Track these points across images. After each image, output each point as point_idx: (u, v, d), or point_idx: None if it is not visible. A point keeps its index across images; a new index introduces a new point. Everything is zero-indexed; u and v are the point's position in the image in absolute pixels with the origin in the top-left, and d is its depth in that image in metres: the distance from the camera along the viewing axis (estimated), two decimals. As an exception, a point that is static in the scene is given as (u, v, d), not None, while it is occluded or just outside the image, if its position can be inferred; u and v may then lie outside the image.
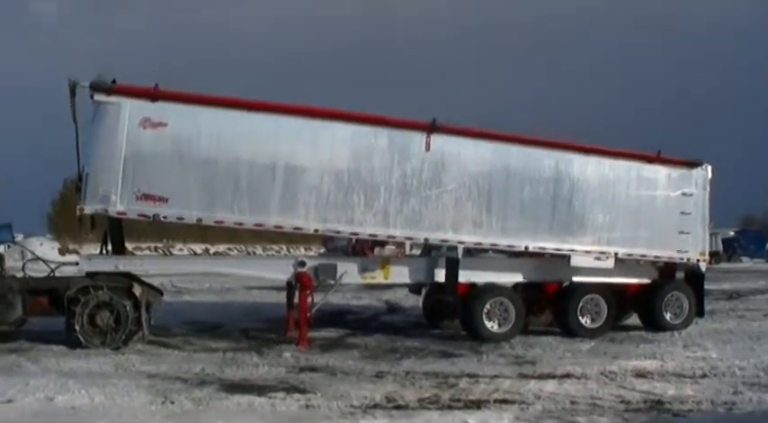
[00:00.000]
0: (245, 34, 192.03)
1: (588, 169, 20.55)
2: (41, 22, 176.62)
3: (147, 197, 17.18)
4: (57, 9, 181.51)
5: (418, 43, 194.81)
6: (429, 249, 21.96)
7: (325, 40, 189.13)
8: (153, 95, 17.24)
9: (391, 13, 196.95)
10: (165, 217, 17.64)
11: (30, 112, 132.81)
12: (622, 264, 20.91)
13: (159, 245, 74.81)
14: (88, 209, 17.14)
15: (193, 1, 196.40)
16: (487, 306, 19.60)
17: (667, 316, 21.51)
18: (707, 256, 22.31)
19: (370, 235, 19.33)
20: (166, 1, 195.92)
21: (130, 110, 17.03)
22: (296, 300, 18.89)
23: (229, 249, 79.60)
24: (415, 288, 22.71)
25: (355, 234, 19.54)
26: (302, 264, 18.85)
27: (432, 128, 19.00)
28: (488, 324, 19.60)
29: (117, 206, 17.07)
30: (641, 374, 14.95)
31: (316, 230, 18.89)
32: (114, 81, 17.10)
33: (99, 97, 16.97)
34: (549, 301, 21.06)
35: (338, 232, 19.33)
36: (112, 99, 16.99)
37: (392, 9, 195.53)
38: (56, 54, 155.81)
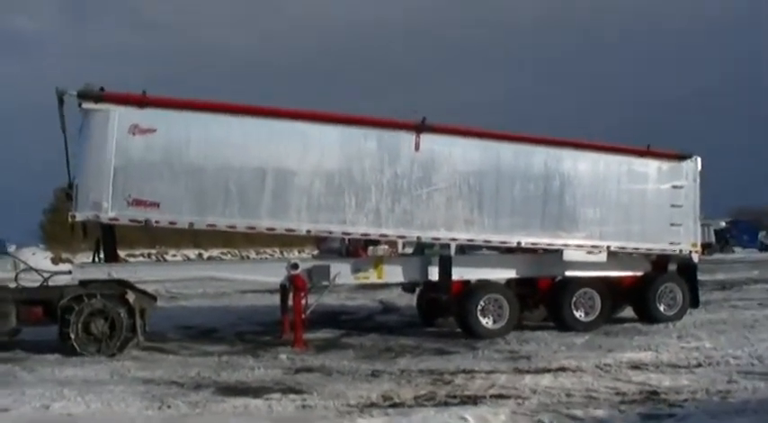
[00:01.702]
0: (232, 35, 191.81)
1: (578, 165, 20.60)
2: (27, 36, 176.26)
3: (138, 203, 17.18)
4: (39, 23, 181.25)
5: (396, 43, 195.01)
6: (422, 248, 21.98)
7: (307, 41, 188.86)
8: (141, 102, 17.24)
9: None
10: (156, 222, 17.63)
11: (19, 122, 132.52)
12: (615, 257, 20.96)
13: (152, 251, 74.50)
14: (80, 216, 17.13)
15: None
16: (481, 303, 19.64)
17: (661, 307, 21.60)
18: (699, 248, 22.34)
19: (363, 235, 19.40)
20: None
21: (119, 117, 17.05)
22: (290, 302, 18.95)
23: (223, 254, 79.43)
24: (408, 287, 22.73)
25: (347, 234, 19.63)
26: (295, 266, 18.84)
27: (421, 127, 19.02)
28: (483, 320, 19.64)
29: (108, 212, 17.08)
30: (636, 366, 15.00)
31: (308, 232, 18.89)
32: (102, 89, 17.09)
33: (87, 105, 16.98)
34: (543, 296, 21.13)
35: (330, 233, 19.42)
36: (101, 107, 17.00)
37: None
38: (43, 65, 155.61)
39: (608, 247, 20.66)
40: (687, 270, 22.40)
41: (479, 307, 19.62)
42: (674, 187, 21.53)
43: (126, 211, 17.23)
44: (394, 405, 12.03)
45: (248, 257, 72.25)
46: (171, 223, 17.92)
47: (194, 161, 17.62)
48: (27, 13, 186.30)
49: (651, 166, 21.45)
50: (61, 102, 17.10)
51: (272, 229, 18.48)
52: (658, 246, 21.56)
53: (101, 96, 17.02)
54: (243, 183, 17.86)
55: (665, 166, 21.58)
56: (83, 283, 17.62)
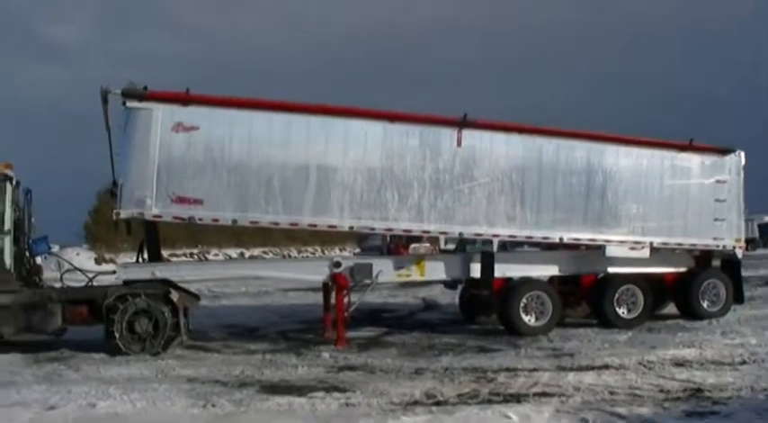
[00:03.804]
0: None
1: (620, 160, 20.47)
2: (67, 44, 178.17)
3: (181, 200, 17.29)
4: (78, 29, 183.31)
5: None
6: (464, 245, 21.96)
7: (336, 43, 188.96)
8: (184, 100, 17.36)
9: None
10: (200, 219, 17.75)
11: (65, 124, 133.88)
12: (658, 253, 20.84)
13: (194, 251, 74.91)
14: (124, 213, 17.26)
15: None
16: (524, 300, 19.62)
17: (704, 304, 21.44)
18: (743, 243, 22.15)
19: (405, 230, 19.45)
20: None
21: (162, 115, 17.18)
22: (332, 300, 19.01)
23: (264, 253, 79.63)
24: (450, 284, 22.74)
25: (390, 230, 19.64)
26: (338, 264, 18.90)
27: (462, 123, 19.00)
28: (525, 318, 19.63)
29: (152, 210, 17.21)
30: (680, 363, 14.91)
31: (351, 228, 18.90)
32: (146, 87, 17.21)
33: (131, 104, 17.11)
34: (586, 293, 21.04)
35: (373, 229, 19.39)
36: (144, 105, 17.13)
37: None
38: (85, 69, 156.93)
39: (651, 243, 20.53)
40: (731, 266, 22.25)
41: (522, 304, 19.60)
42: (718, 182, 21.35)
43: (169, 209, 17.35)
44: (437, 403, 12.01)
45: (289, 256, 72.49)
46: (214, 220, 18.01)
47: (237, 158, 17.68)
48: (67, 22, 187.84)
49: (694, 160, 21.28)
50: (105, 101, 17.26)
51: (314, 226, 18.51)
52: (702, 241, 21.37)
53: (144, 95, 17.14)
54: (285, 179, 17.91)
55: (708, 160, 21.40)
56: (127, 283, 17.74)
